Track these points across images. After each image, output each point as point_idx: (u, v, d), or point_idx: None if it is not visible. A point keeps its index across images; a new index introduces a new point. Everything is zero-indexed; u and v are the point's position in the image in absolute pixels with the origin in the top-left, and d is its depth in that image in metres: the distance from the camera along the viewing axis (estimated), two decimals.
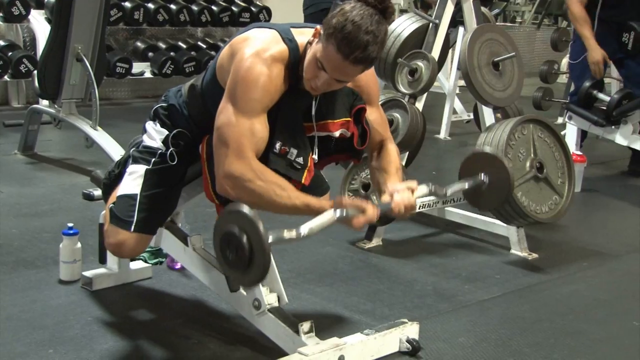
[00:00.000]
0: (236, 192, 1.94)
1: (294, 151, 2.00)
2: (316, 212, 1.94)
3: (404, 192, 2.05)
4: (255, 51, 1.95)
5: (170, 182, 2.25)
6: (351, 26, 1.83)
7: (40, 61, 4.29)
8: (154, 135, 2.27)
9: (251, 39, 2.00)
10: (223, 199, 2.09)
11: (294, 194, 1.94)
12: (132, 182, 2.23)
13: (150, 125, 2.29)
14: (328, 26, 1.87)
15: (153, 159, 2.23)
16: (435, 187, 2.16)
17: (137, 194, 2.21)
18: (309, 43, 1.96)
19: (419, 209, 3.41)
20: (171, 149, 2.23)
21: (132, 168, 2.26)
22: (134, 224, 2.20)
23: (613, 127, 4.60)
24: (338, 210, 1.91)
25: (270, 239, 1.75)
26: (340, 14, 1.86)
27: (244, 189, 1.92)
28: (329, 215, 1.91)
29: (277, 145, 1.98)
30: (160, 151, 2.23)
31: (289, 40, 1.99)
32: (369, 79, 2.14)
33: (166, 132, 2.24)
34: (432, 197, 3.45)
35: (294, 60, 1.98)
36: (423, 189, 2.12)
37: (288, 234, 1.84)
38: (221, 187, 1.98)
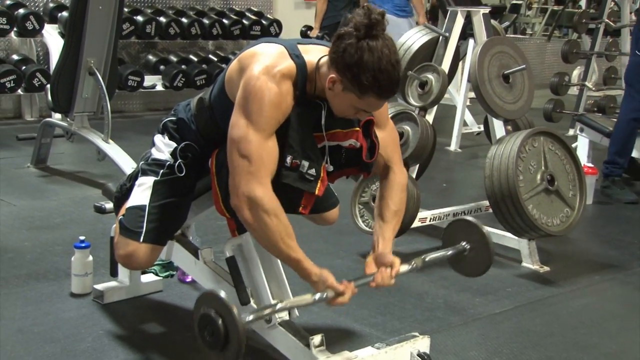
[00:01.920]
0: (251, 214, 1.95)
1: (305, 163, 2.01)
2: (301, 272, 2.01)
3: (385, 273, 2.10)
4: (265, 67, 1.96)
5: (178, 193, 2.26)
6: (382, 75, 1.87)
7: (54, 75, 4.33)
8: (163, 148, 2.28)
9: (260, 54, 2.02)
10: (233, 212, 2.10)
11: (295, 246, 1.99)
12: (141, 193, 2.25)
13: (158, 139, 2.31)
14: (357, 82, 1.89)
15: (161, 171, 2.25)
16: (416, 263, 2.20)
17: (146, 205, 2.23)
18: (329, 89, 1.97)
19: (430, 221, 3.42)
20: (179, 160, 2.24)
21: (141, 180, 2.28)
22: (143, 235, 2.21)
23: None
24: (317, 295, 1.98)
25: (248, 318, 1.83)
26: (365, 68, 1.87)
27: (258, 217, 1.94)
28: (308, 300, 1.99)
29: (288, 160, 1.99)
30: (168, 163, 2.25)
31: (296, 57, 2.01)
32: None
33: (174, 145, 2.26)
34: (443, 210, 3.47)
35: (302, 77, 2.00)
36: (405, 267, 2.17)
37: (265, 311, 1.94)
38: (238, 203, 1.97)
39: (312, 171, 2.02)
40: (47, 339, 2.37)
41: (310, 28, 7.08)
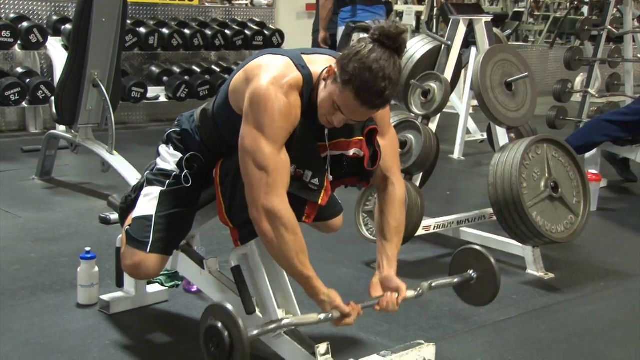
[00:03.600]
0: (271, 227, 1.95)
1: (309, 173, 2.02)
2: (309, 290, 2.03)
3: (391, 299, 2.13)
4: (273, 78, 1.97)
5: (184, 203, 2.27)
6: (368, 74, 1.86)
7: (58, 87, 4.35)
8: (168, 158, 2.30)
9: (266, 65, 2.02)
10: (237, 222, 2.11)
11: (308, 264, 2.01)
12: (147, 203, 2.26)
13: (163, 149, 2.32)
14: (345, 72, 1.89)
15: (167, 181, 2.26)
16: (422, 289, 2.21)
17: (152, 215, 2.24)
18: (323, 79, 1.98)
19: (434, 229, 3.42)
20: (185, 171, 2.25)
21: (146, 190, 2.29)
22: (150, 245, 2.22)
23: (634, 145, 4.59)
24: (323, 315, 2.01)
25: (253, 333, 1.84)
26: (357, 60, 1.87)
27: (277, 231, 1.95)
28: (314, 319, 2.00)
29: (292, 169, 2.00)
30: (174, 173, 2.26)
31: (302, 67, 2.02)
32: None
33: (180, 155, 2.27)
34: (447, 218, 3.47)
35: (308, 87, 2.01)
36: (410, 293, 2.18)
37: (269, 327, 1.94)
38: (257, 216, 1.97)
39: (316, 181, 2.03)
40: (53, 350, 2.38)
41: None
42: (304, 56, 2.06)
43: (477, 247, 2.33)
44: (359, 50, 1.88)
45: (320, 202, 2.06)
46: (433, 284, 2.24)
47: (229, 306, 1.83)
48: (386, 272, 2.17)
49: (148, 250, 2.22)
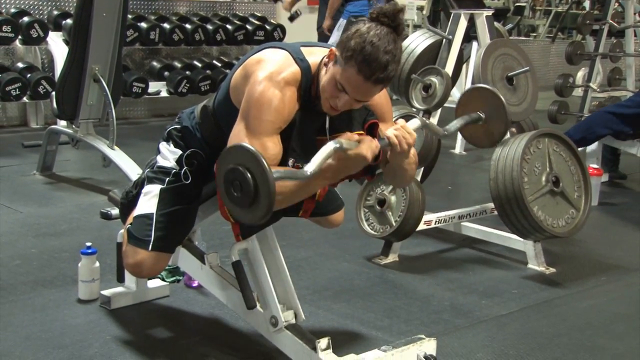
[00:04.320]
0: None
1: None
2: (326, 172, 1.94)
3: (397, 126, 2.05)
4: (269, 74, 1.97)
5: (185, 200, 2.27)
6: (370, 47, 1.86)
7: (59, 82, 4.34)
8: (168, 155, 2.29)
9: (264, 60, 2.02)
10: None
11: (296, 172, 1.89)
12: (148, 202, 2.26)
13: (163, 146, 2.32)
14: (346, 48, 1.89)
15: (167, 179, 2.26)
16: (429, 122, 2.14)
17: (153, 214, 2.24)
18: (324, 65, 1.98)
19: (435, 224, 3.42)
20: (185, 168, 2.25)
21: (147, 188, 2.29)
22: (151, 243, 2.22)
23: (635, 140, 4.59)
24: (336, 141, 1.90)
25: (275, 175, 1.73)
26: (358, 36, 1.88)
27: None
28: (327, 148, 1.89)
29: (290, 162, 2.00)
30: (174, 170, 2.26)
31: (301, 60, 2.02)
32: (381, 96, 2.16)
33: (180, 152, 2.27)
34: (448, 212, 3.47)
35: (306, 80, 2.01)
36: (415, 121, 2.12)
37: (292, 172, 1.85)
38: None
39: None
40: (55, 345, 2.38)
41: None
42: (303, 49, 2.06)
43: (480, 85, 2.27)
44: (359, 28, 1.90)
45: (317, 197, 2.05)
46: (446, 128, 2.20)
47: (249, 145, 1.73)
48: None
49: (149, 248, 2.22)
